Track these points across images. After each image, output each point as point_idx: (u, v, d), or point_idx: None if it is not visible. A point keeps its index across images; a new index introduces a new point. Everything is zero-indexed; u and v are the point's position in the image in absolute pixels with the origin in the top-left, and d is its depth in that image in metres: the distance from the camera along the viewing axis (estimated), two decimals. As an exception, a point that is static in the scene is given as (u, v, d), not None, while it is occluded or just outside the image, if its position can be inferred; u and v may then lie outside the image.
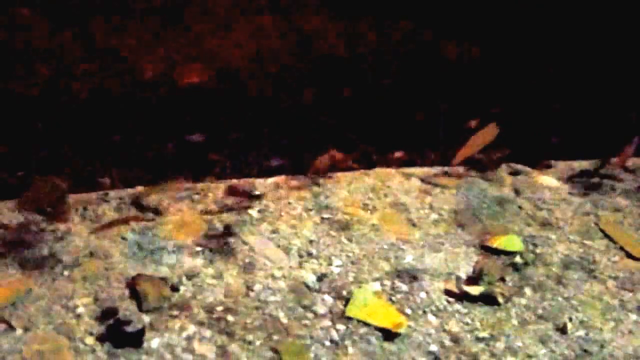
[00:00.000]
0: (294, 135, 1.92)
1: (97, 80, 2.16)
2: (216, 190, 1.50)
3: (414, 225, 1.44)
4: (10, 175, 1.64)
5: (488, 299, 1.24)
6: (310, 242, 1.36)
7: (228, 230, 1.37)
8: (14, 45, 2.33)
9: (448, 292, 1.26)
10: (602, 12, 2.69)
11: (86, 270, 1.24)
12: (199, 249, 1.32)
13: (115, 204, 1.42)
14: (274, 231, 1.38)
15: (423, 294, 1.25)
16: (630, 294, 1.29)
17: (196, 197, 1.47)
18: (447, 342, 1.15)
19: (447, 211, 1.48)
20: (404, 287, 1.26)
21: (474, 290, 1.26)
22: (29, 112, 1.94)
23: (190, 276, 1.25)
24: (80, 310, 1.15)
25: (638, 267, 1.36)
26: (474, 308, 1.23)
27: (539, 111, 2.09)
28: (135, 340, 1.10)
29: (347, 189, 1.54)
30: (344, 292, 1.24)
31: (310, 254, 1.33)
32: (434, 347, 1.14)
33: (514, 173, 1.65)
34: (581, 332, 1.20)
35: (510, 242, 1.40)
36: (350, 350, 1.12)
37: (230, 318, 1.16)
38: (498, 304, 1.24)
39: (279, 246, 1.34)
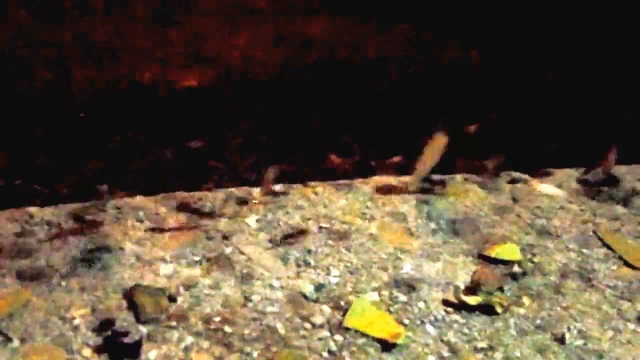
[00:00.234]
0: (292, 141, 1.91)
1: (96, 84, 2.17)
2: (214, 199, 1.50)
3: (412, 234, 1.43)
4: (8, 183, 1.64)
5: (486, 309, 1.24)
6: (309, 251, 1.36)
7: (226, 240, 1.37)
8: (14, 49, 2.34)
9: (446, 302, 1.25)
10: (602, 12, 2.69)
11: (83, 280, 1.24)
12: (196, 258, 1.32)
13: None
14: (271, 240, 1.38)
15: (421, 304, 1.25)
16: (629, 304, 1.29)
17: (194, 205, 1.47)
18: (445, 353, 1.15)
19: (445, 220, 1.48)
20: (402, 297, 1.26)
21: (472, 300, 1.25)
22: (28, 116, 1.94)
23: (188, 286, 1.24)
24: (78, 321, 1.15)
25: (636, 276, 1.36)
26: (472, 318, 1.23)
27: (537, 116, 2.09)
28: (133, 351, 1.09)
29: (346, 197, 1.54)
30: (342, 303, 1.23)
31: (308, 264, 1.32)
32: (432, 358, 1.14)
33: (512, 181, 1.65)
34: (579, 342, 1.19)
35: (509, 251, 1.40)
36: (348, 361, 1.12)
37: (227, 329, 1.16)
38: (496, 314, 1.24)
39: (276, 256, 1.34)
